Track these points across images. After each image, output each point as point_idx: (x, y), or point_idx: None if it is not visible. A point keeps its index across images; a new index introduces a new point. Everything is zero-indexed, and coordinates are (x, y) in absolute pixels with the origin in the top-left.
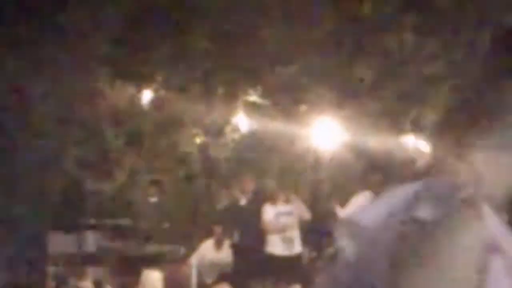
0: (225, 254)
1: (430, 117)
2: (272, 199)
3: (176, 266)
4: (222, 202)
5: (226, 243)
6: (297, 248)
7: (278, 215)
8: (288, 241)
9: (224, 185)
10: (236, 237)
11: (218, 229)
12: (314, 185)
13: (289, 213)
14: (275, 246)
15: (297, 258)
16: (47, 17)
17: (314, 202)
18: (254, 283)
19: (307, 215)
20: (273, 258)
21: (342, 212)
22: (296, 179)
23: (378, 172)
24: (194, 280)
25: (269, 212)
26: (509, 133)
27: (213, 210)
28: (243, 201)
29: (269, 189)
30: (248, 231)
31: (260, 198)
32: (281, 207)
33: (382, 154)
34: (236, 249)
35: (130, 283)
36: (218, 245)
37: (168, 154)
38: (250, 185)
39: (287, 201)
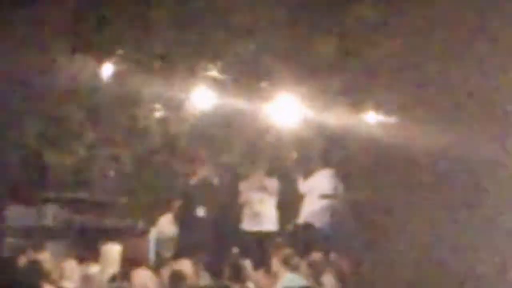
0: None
1: (392, 94)
2: (252, 175)
3: (134, 240)
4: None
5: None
6: (269, 225)
7: (250, 189)
8: (257, 217)
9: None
10: (201, 212)
11: (176, 204)
12: (275, 161)
13: (260, 188)
14: (245, 222)
15: (266, 235)
16: None
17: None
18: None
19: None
20: (241, 233)
21: (304, 186)
22: (257, 156)
23: (339, 150)
24: (152, 254)
25: (243, 186)
26: None
27: (172, 185)
28: (215, 180)
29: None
30: (217, 207)
31: (233, 176)
32: (255, 182)
33: (343, 131)
34: (200, 223)
35: (88, 257)
36: (177, 219)
37: (128, 129)
38: (201, 160)
39: (262, 177)
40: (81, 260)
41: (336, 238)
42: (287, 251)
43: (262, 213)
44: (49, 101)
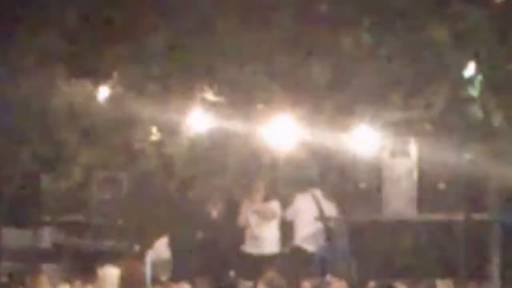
0: None
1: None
2: (251, 197)
3: (130, 263)
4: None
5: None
6: (270, 248)
7: (251, 213)
8: (257, 240)
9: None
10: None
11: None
12: (270, 184)
13: (261, 212)
14: (247, 244)
15: (268, 258)
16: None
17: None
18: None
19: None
20: (242, 256)
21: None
22: (252, 178)
23: (333, 172)
24: (149, 277)
25: (244, 210)
26: None
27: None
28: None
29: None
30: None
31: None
32: (256, 205)
33: (338, 153)
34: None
35: (85, 280)
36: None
37: (123, 151)
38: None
39: (267, 198)
40: (76, 283)
41: (332, 261)
42: (271, 273)
43: (262, 236)
44: (45, 124)
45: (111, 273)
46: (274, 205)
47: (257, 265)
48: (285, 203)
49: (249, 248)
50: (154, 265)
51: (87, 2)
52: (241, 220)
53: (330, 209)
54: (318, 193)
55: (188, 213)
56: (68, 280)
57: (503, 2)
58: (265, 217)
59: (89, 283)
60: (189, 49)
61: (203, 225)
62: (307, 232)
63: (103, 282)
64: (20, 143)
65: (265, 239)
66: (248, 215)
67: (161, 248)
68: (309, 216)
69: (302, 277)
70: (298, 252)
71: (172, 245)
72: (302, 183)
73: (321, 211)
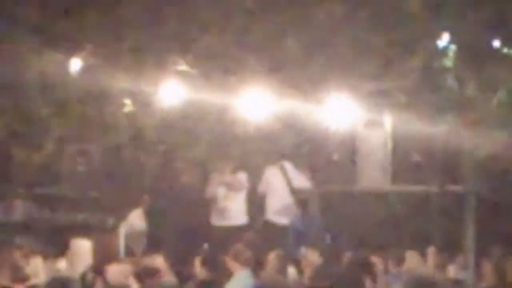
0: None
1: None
2: (220, 170)
3: (104, 235)
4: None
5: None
6: (237, 220)
7: (219, 185)
8: (224, 212)
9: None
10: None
11: (146, 198)
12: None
13: (229, 184)
14: (213, 217)
15: (236, 230)
16: None
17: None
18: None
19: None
20: (210, 229)
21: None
22: (225, 150)
23: (307, 143)
24: (122, 249)
25: (212, 182)
26: None
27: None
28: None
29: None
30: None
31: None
32: (224, 177)
33: (312, 125)
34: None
35: (57, 253)
36: (146, 213)
37: (96, 123)
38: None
39: (235, 170)
40: (49, 256)
41: (305, 233)
42: (239, 246)
43: (229, 208)
44: (17, 96)
45: (83, 246)
46: (242, 177)
47: (224, 237)
48: (258, 176)
49: (216, 220)
50: (128, 237)
51: None
52: (209, 192)
53: (301, 181)
54: (287, 165)
55: (162, 185)
56: (41, 253)
57: None
58: (233, 188)
59: (62, 256)
60: (162, 20)
61: (177, 197)
62: (278, 205)
63: (75, 255)
64: None
65: (232, 211)
66: (216, 187)
67: (135, 221)
68: (279, 188)
69: (273, 249)
70: (269, 225)
71: (147, 217)
72: (275, 155)
73: (289, 183)
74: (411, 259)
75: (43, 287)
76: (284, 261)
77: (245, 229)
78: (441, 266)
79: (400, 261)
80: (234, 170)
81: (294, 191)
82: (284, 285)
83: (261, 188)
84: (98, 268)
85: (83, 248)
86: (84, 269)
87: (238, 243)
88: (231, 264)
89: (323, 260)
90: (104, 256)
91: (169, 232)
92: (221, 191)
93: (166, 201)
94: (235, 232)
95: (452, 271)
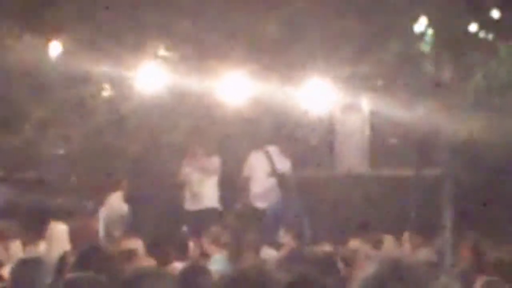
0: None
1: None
2: (192, 153)
3: (83, 219)
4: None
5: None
6: (210, 203)
7: (190, 170)
8: (195, 196)
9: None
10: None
11: (125, 182)
12: (221, 140)
13: (203, 167)
14: (186, 202)
15: (206, 212)
16: None
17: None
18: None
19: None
20: (183, 213)
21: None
22: (204, 134)
23: (286, 127)
24: (101, 233)
25: (184, 167)
26: None
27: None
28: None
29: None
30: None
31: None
32: (196, 162)
33: (290, 109)
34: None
35: (36, 236)
36: (125, 197)
37: (76, 108)
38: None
39: (207, 155)
40: (29, 240)
41: (284, 217)
42: (216, 229)
43: (201, 193)
44: None
45: (60, 230)
46: (215, 161)
47: (199, 221)
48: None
49: (190, 205)
50: (108, 221)
51: None
52: (181, 175)
53: (285, 166)
54: (273, 149)
55: (142, 169)
56: (21, 238)
57: None
58: (207, 172)
59: (40, 239)
60: (141, 4)
61: (156, 181)
62: (259, 189)
63: (52, 238)
64: None
65: (205, 195)
66: (189, 171)
67: (114, 204)
68: (261, 173)
69: (250, 233)
70: (249, 208)
71: (127, 200)
72: (254, 139)
73: (273, 167)
74: (389, 242)
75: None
76: (262, 244)
77: (218, 213)
78: (416, 249)
79: (378, 244)
80: (207, 154)
81: (274, 175)
82: (262, 269)
83: (245, 172)
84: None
85: (60, 232)
86: (62, 252)
87: (216, 227)
88: (209, 247)
89: (299, 244)
90: (82, 240)
91: (149, 216)
92: (194, 176)
93: (145, 185)
94: (208, 215)
95: (425, 254)
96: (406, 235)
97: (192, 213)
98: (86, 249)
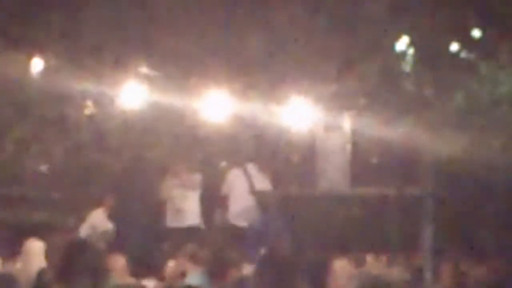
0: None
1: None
2: (173, 170)
3: (60, 236)
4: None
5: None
6: (192, 220)
7: (172, 186)
8: (177, 212)
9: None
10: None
11: (108, 198)
12: (204, 157)
13: (182, 185)
14: (168, 218)
15: (190, 230)
16: None
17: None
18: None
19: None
20: (167, 230)
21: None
22: (186, 151)
23: (267, 145)
24: None
25: (166, 184)
26: None
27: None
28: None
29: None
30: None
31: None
32: (178, 178)
33: (271, 127)
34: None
35: (14, 253)
36: (108, 213)
37: (58, 124)
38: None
39: (189, 172)
40: (7, 256)
41: (265, 235)
42: (192, 246)
43: (183, 208)
44: None
45: (36, 246)
46: (196, 177)
47: (180, 238)
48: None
49: (171, 222)
50: (89, 237)
51: None
52: (163, 193)
53: (264, 184)
54: (252, 167)
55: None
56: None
57: None
58: (189, 188)
59: (18, 256)
60: (123, 21)
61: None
62: (239, 207)
63: (28, 255)
64: None
65: (186, 212)
66: (170, 188)
67: (97, 220)
68: (241, 191)
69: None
70: (229, 226)
71: (110, 218)
72: (236, 157)
73: (251, 185)
74: (371, 261)
75: None
76: (243, 261)
77: (199, 230)
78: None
79: (360, 263)
80: (189, 171)
81: (254, 194)
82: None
83: (224, 190)
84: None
85: (36, 249)
86: (38, 269)
87: (193, 244)
88: (186, 264)
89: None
90: (57, 257)
91: (132, 233)
92: (176, 193)
93: (127, 202)
94: (189, 233)
95: (406, 272)
96: (386, 255)
97: (174, 231)
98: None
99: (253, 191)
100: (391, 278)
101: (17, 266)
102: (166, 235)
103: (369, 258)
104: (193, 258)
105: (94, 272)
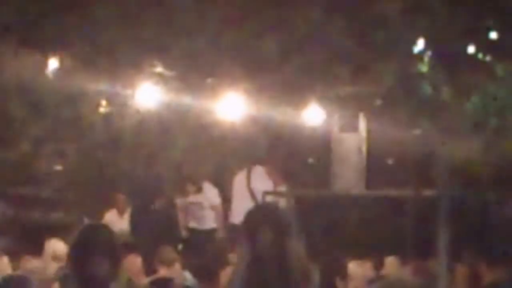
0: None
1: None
2: (183, 192)
3: None
4: None
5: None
6: (209, 224)
7: (188, 206)
8: (199, 219)
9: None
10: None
11: (121, 198)
12: (219, 159)
13: (198, 204)
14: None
15: (208, 232)
16: None
17: (219, 176)
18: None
19: (216, 201)
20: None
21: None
22: (201, 153)
23: (282, 147)
24: None
25: (180, 205)
26: None
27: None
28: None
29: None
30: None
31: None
32: (191, 198)
33: (287, 128)
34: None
35: (33, 253)
36: (121, 213)
37: (73, 124)
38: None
39: (198, 190)
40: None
41: None
42: (164, 248)
43: (205, 216)
44: None
45: (58, 247)
46: (212, 195)
47: (199, 240)
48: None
49: (193, 223)
50: None
51: None
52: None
53: (264, 186)
54: (256, 169)
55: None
56: (10, 254)
57: None
58: (202, 208)
59: (37, 256)
60: (139, 22)
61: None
62: (239, 209)
63: (50, 255)
64: None
65: (207, 217)
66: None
67: (111, 221)
68: (242, 192)
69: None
70: (233, 228)
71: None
72: (251, 159)
73: (248, 186)
74: (390, 264)
75: None
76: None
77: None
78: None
79: (378, 265)
80: (198, 190)
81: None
82: None
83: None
84: None
85: (57, 249)
86: (59, 269)
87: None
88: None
89: None
90: None
91: (147, 233)
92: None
93: (142, 202)
94: (208, 235)
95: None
96: (402, 257)
97: (193, 231)
98: None
99: (249, 192)
100: (408, 280)
101: (35, 265)
102: (182, 236)
103: (387, 260)
104: (162, 260)
105: (112, 253)
